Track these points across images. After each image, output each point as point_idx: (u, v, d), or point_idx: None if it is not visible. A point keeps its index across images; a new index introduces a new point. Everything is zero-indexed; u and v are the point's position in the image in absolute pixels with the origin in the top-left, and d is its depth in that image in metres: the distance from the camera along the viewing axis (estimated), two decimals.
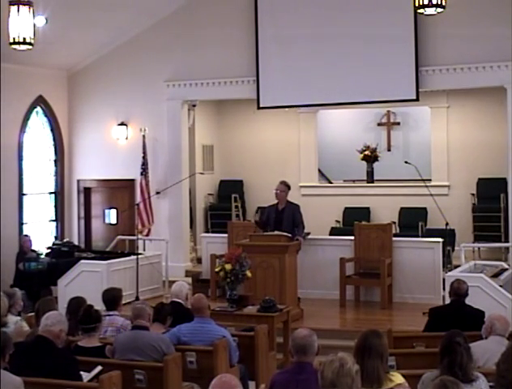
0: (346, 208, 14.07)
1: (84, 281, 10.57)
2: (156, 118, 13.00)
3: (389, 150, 15.46)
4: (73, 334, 6.21)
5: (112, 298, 6.80)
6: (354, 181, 15.21)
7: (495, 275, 9.37)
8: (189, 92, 12.85)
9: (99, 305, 6.38)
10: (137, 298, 10.52)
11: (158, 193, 12.63)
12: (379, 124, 15.70)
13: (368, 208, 13.97)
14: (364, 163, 14.88)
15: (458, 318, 6.43)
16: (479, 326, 5.92)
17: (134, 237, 11.97)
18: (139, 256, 11.24)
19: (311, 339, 4.56)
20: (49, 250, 12.19)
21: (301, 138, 14.70)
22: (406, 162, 11.23)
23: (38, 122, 13.56)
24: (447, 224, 10.31)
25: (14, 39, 7.02)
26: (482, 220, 12.95)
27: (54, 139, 13.81)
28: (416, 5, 6.56)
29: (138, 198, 12.76)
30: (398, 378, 4.34)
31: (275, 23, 12.07)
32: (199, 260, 12.98)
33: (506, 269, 9.91)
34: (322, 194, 14.44)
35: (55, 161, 13.86)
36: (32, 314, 6.95)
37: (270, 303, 8.07)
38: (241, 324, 7.79)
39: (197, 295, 6.73)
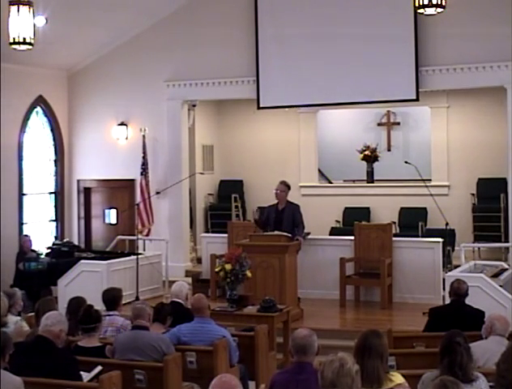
0: (346, 208, 14.07)
1: (84, 281, 10.57)
2: (156, 118, 13.00)
3: (389, 150, 15.47)
4: (73, 334, 6.21)
5: (112, 298, 6.80)
6: (354, 181, 15.21)
7: (495, 275, 9.37)
8: (189, 92, 12.85)
9: (99, 305, 6.38)
10: (137, 298, 10.52)
11: (158, 193, 12.64)
12: (379, 124, 15.70)
13: (368, 208, 13.97)
14: (364, 163, 14.88)
15: (458, 318, 6.43)
16: (479, 326, 5.92)
17: (134, 237, 11.97)
18: (139, 256, 11.24)
19: (311, 339, 4.56)
20: (49, 250, 12.19)
21: (301, 138, 14.70)
22: (406, 162, 11.23)
23: (38, 122, 13.56)
24: (447, 224, 10.31)
25: (14, 39, 7.02)
26: (482, 220, 12.95)
27: (54, 139, 13.81)
28: (416, 5, 6.57)
29: (138, 198, 12.76)
30: (398, 378, 4.34)
31: (275, 23, 12.07)
32: (199, 260, 12.98)
33: (506, 269, 9.91)
34: (322, 194, 14.44)
35: (55, 161, 13.86)
36: (32, 314, 6.94)
37: (270, 303, 8.07)
38: (241, 324, 7.79)
39: (197, 295, 6.73)
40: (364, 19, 11.50)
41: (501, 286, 8.89)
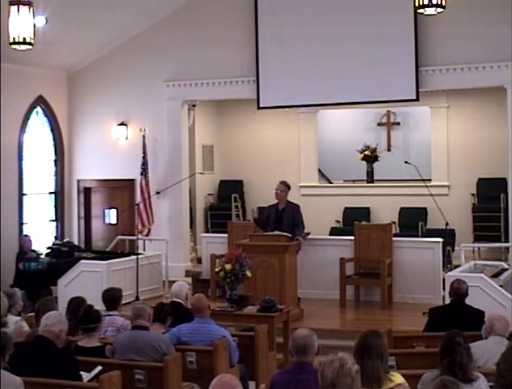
0: (346, 208, 14.07)
1: (84, 281, 10.57)
2: (156, 118, 13.00)
3: (389, 150, 15.47)
4: (73, 334, 6.21)
5: (112, 298, 6.80)
6: (354, 181, 15.21)
7: (495, 275, 9.36)
8: (189, 92, 12.86)
9: (99, 305, 6.38)
10: (137, 298, 10.52)
11: (158, 193, 12.64)
12: (379, 124, 15.70)
13: (368, 208, 13.97)
14: (364, 163, 14.88)
15: (458, 318, 6.42)
16: (479, 326, 5.92)
17: (134, 237, 11.97)
18: (139, 256, 11.24)
19: (311, 339, 4.56)
20: (49, 250, 12.19)
21: (301, 138, 14.70)
22: (406, 162, 11.23)
23: (38, 122, 13.56)
24: (447, 224, 10.31)
25: (14, 39, 7.02)
26: (482, 220, 12.95)
27: (54, 139, 13.81)
28: (416, 5, 6.56)
29: (138, 198, 12.76)
30: (398, 378, 4.34)
31: (275, 23, 12.07)
32: (199, 260, 12.98)
33: (506, 269, 9.90)
34: (322, 194, 14.44)
35: (55, 161, 13.86)
36: (32, 314, 6.94)
37: (270, 303, 8.07)
38: (241, 324, 7.78)
39: (197, 295, 6.73)
40: (364, 19, 11.50)
41: (501, 286, 8.89)
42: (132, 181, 13.21)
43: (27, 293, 10.18)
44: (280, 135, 14.75)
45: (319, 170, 15.17)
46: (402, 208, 13.53)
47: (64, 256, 11.80)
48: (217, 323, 6.61)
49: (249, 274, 8.38)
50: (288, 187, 10.13)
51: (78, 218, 13.94)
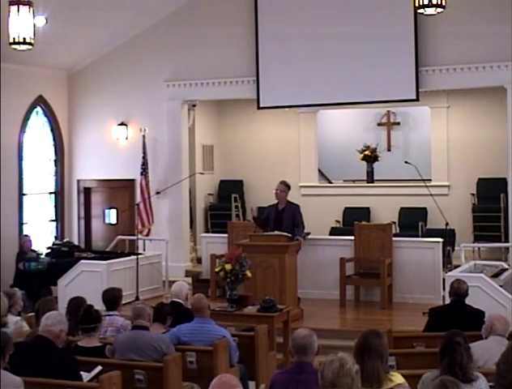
0: (346, 208, 14.07)
1: (84, 281, 10.57)
2: (156, 118, 13.00)
3: (389, 150, 15.46)
4: (73, 334, 6.21)
5: (112, 298, 6.80)
6: (354, 181, 15.21)
7: (495, 275, 9.36)
8: (189, 92, 12.86)
9: (99, 305, 6.38)
10: (137, 298, 10.52)
11: (158, 193, 12.64)
12: (379, 124, 15.70)
13: (368, 208, 13.97)
14: (364, 163, 14.88)
15: (458, 318, 6.42)
16: (479, 326, 5.92)
17: (134, 237, 11.97)
18: (139, 256, 11.24)
19: (311, 339, 4.56)
20: (49, 250, 12.19)
21: (301, 138, 14.70)
22: (406, 162, 11.23)
23: (38, 122, 13.56)
24: (447, 224, 10.31)
25: (14, 39, 7.01)
26: (482, 220, 12.95)
27: (54, 139, 13.81)
28: (416, 5, 6.56)
29: (138, 198, 12.76)
30: (398, 378, 4.34)
31: (275, 22, 12.07)
32: (199, 260, 12.98)
33: (506, 269, 9.90)
34: (322, 194, 14.44)
35: (55, 161, 13.86)
36: (32, 314, 6.94)
37: (270, 303, 8.07)
38: (241, 324, 7.78)
39: (197, 295, 6.73)
40: (364, 19, 11.50)
41: (501, 286, 8.89)
42: (132, 181, 13.21)
43: (27, 293, 10.18)
44: (280, 135, 14.75)
45: (319, 170, 15.17)
46: (402, 208, 13.53)
47: (64, 256, 11.80)
48: (217, 323, 6.61)
49: (249, 274, 8.38)
50: (288, 187, 10.13)
51: (78, 218, 13.94)
